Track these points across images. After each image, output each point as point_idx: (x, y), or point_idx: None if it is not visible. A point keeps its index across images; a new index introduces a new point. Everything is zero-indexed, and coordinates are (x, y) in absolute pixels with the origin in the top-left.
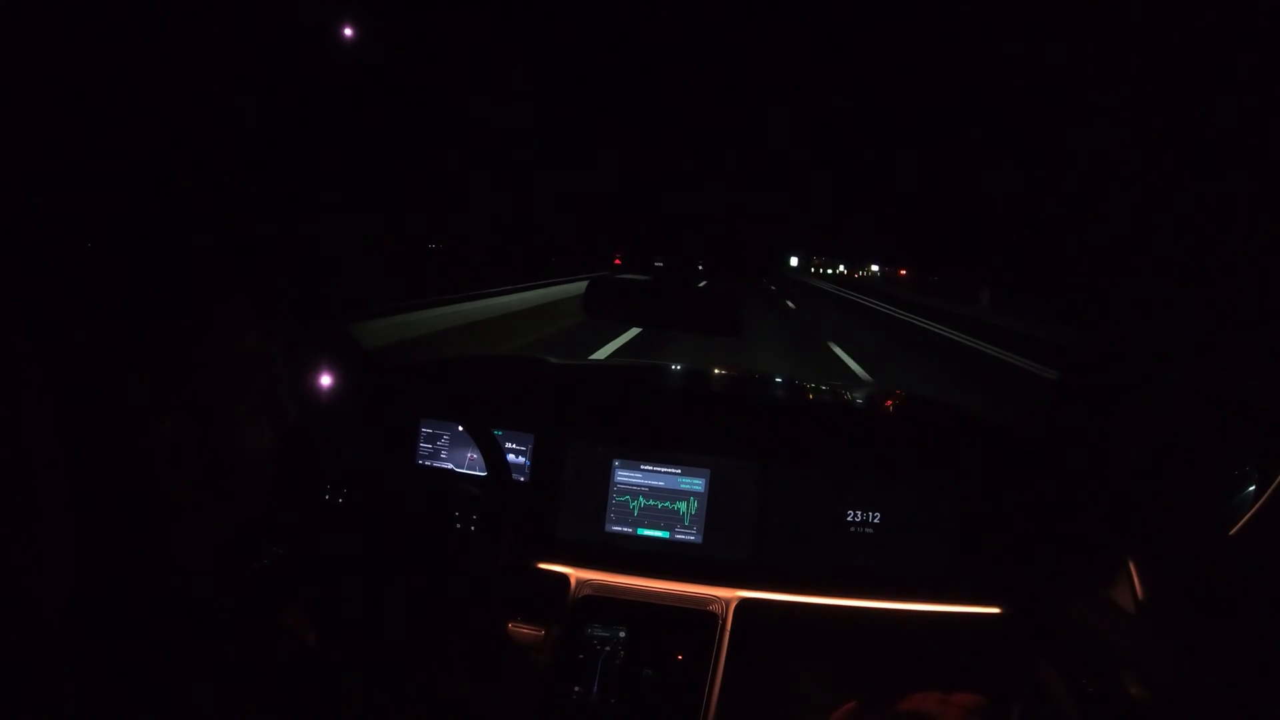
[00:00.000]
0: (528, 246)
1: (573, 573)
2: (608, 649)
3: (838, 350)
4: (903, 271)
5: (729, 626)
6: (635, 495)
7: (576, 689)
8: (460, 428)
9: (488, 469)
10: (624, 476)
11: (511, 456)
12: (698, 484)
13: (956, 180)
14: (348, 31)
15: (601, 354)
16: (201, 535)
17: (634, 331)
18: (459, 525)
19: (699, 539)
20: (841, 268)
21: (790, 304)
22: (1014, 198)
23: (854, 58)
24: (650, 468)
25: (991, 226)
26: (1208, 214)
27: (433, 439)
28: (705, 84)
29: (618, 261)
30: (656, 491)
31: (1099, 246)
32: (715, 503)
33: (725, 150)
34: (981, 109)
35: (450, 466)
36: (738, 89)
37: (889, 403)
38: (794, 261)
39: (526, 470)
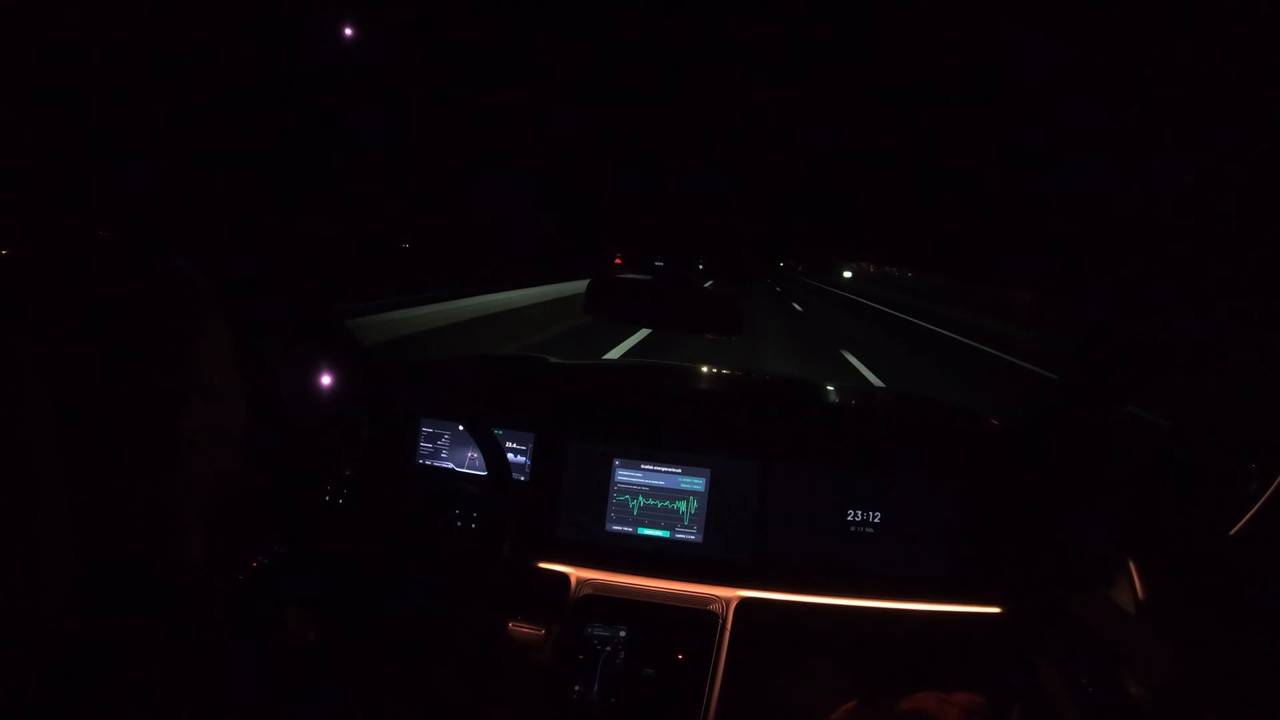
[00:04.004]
0: (521, 245)
1: (573, 572)
2: (608, 649)
3: None
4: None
5: (729, 626)
6: (635, 495)
7: (577, 688)
8: (460, 427)
9: (488, 468)
10: (624, 476)
11: (512, 456)
12: (698, 483)
13: (964, 177)
14: (347, 32)
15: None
16: (195, 525)
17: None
18: (459, 525)
19: (699, 538)
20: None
21: None
22: (1017, 193)
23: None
24: (650, 467)
25: (989, 223)
26: (1211, 213)
27: (433, 439)
28: (713, 80)
29: (618, 261)
30: (657, 491)
31: (1102, 245)
32: (715, 502)
33: (737, 145)
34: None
35: (450, 466)
36: (748, 83)
37: (889, 402)
38: (847, 274)
39: (527, 470)
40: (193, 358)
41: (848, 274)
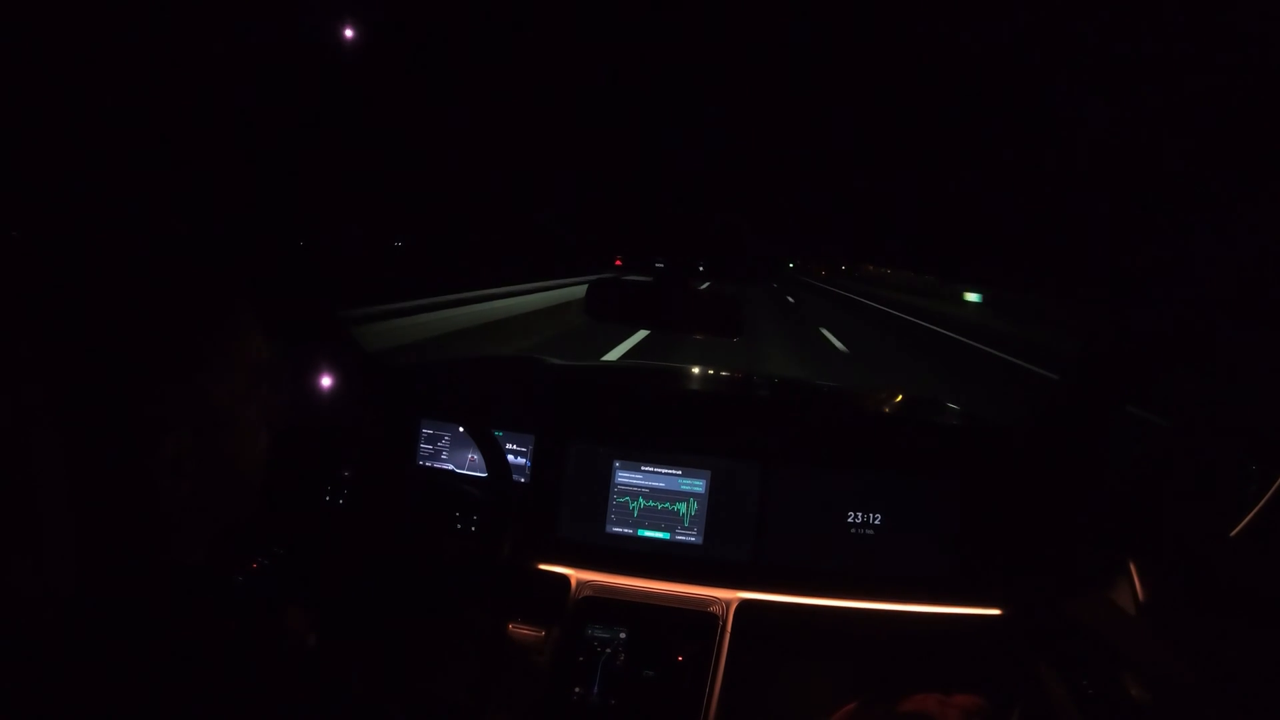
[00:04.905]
0: (521, 246)
1: (573, 574)
2: (608, 650)
3: None
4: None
5: (729, 628)
6: (636, 496)
7: (577, 690)
8: (460, 428)
9: (488, 470)
10: (624, 477)
11: (512, 457)
12: (698, 485)
13: (955, 176)
14: (347, 32)
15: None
16: (196, 539)
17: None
18: (459, 526)
19: (699, 540)
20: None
21: None
22: (1015, 192)
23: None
24: (651, 469)
25: (987, 221)
26: (1209, 212)
27: (433, 439)
28: (712, 79)
29: (619, 263)
30: (657, 492)
31: (1101, 244)
32: (716, 504)
33: (733, 143)
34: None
35: (450, 467)
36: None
37: (890, 404)
38: (973, 297)
39: (527, 471)
40: (193, 384)
41: (974, 297)
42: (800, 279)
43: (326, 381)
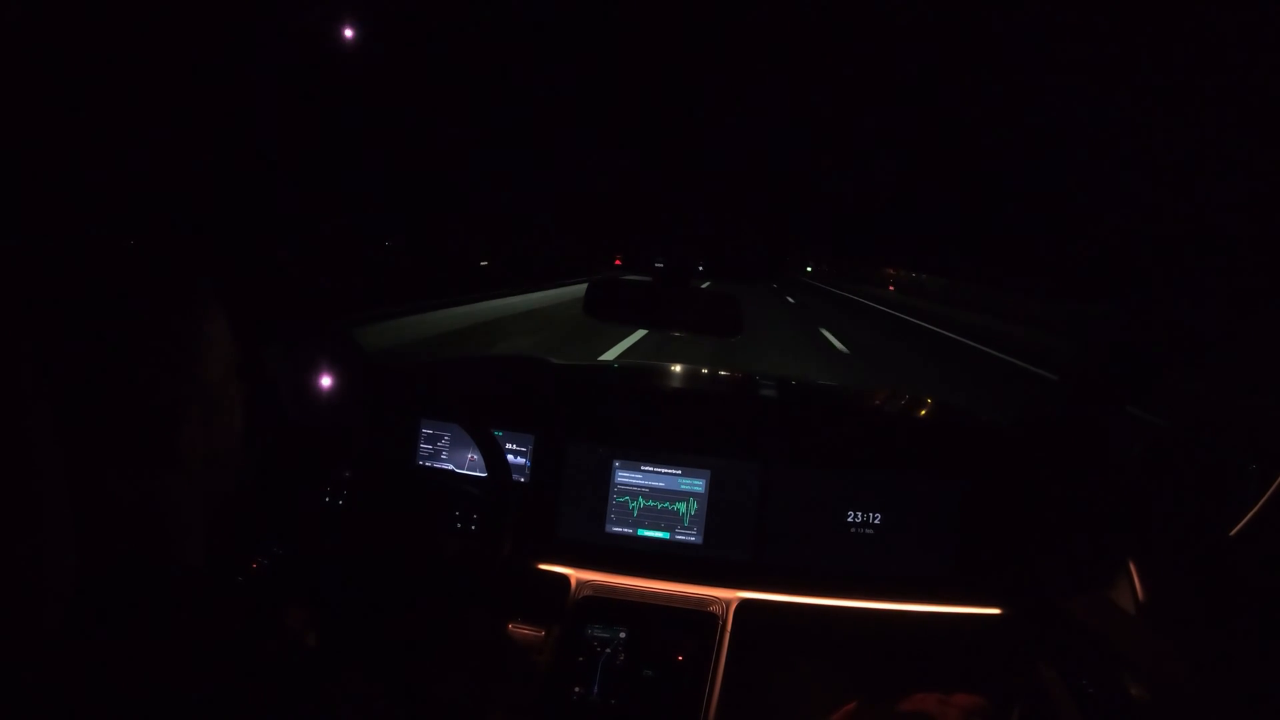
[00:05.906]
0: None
1: (573, 573)
2: (608, 650)
3: None
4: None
5: (729, 627)
6: (635, 496)
7: (576, 690)
8: (460, 428)
9: (488, 469)
10: (624, 477)
11: (511, 457)
12: (698, 485)
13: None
14: (347, 32)
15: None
16: (196, 528)
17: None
18: (459, 526)
19: (699, 540)
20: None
21: None
22: (1012, 189)
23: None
24: (650, 468)
25: (987, 219)
26: (1210, 212)
27: (433, 439)
28: (710, 74)
29: (618, 262)
30: (657, 492)
31: (1103, 244)
32: (715, 504)
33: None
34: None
35: (450, 467)
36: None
37: (890, 403)
38: None
39: (526, 471)
40: (195, 365)
41: None
42: (817, 287)
43: (326, 381)
